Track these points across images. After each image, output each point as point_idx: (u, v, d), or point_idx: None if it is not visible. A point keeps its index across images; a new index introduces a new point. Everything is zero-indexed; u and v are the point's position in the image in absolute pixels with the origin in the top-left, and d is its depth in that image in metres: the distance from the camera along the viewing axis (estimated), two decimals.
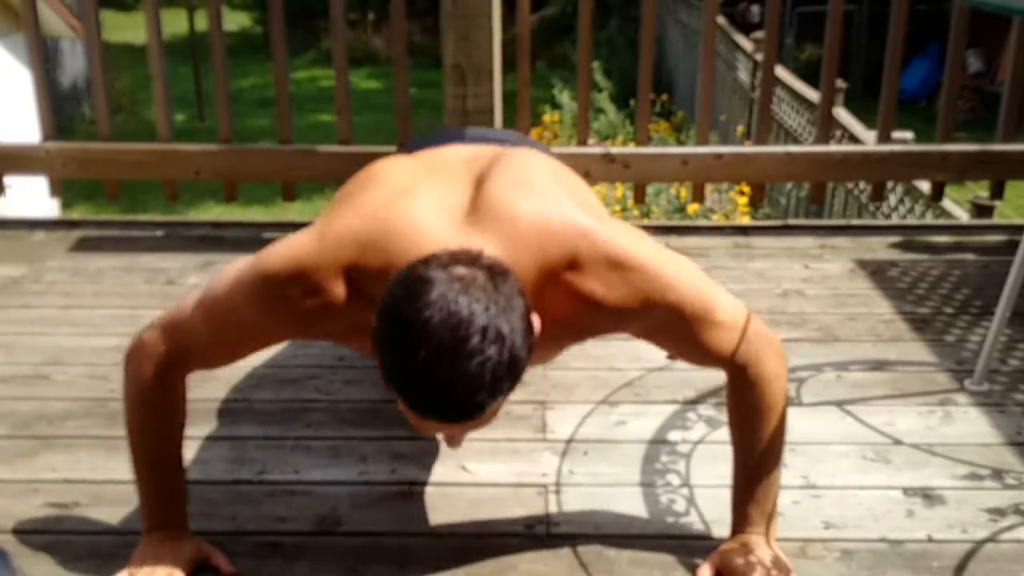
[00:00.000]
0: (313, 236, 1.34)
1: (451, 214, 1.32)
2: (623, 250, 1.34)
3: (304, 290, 1.31)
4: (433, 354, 1.13)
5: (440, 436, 1.27)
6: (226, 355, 1.47)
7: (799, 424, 1.90)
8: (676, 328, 1.40)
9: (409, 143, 1.77)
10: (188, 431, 1.51)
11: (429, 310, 1.13)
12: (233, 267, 1.41)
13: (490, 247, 1.26)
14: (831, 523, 1.61)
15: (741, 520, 1.49)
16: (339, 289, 1.31)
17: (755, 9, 11.71)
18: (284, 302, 1.33)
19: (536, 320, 1.24)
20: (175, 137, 2.99)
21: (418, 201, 1.33)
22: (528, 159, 1.52)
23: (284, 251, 1.34)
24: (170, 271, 2.64)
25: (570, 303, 1.34)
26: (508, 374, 1.17)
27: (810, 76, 6.07)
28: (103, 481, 1.73)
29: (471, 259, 1.19)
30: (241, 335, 1.41)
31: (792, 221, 3.45)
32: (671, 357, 2.05)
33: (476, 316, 1.14)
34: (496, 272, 1.19)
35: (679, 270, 1.39)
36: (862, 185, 5.40)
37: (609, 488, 1.70)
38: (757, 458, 1.46)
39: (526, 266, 1.28)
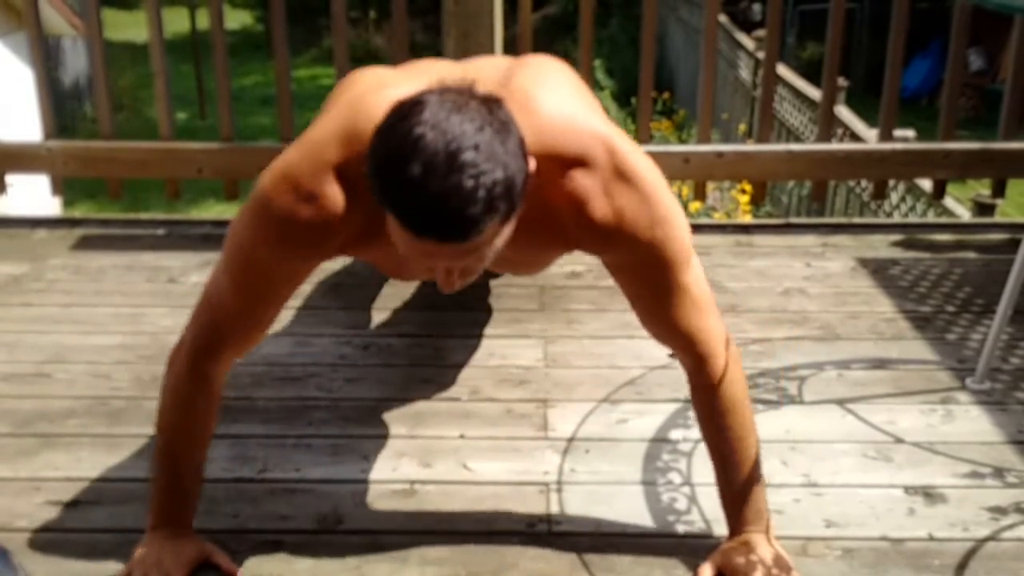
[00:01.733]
0: (296, 148, 1.36)
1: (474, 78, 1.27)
2: (634, 166, 1.34)
3: (301, 201, 1.31)
4: (427, 167, 1.12)
5: (437, 277, 1.25)
6: (255, 314, 1.45)
7: (800, 422, 1.90)
8: (647, 268, 1.39)
9: None
10: None
11: (422, 127, 1.13)
12: (239, 214, 1.42)
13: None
14: (832, 521, 1.61)
15: (737, 522, 1.49)
16: (334, 190, 1.30)
17: (757, 7, 11.70)
18: (289, 222, 1.32)
19: (532, 160, 1.23)
20: (177, 135, 2.99)
21: (398, 89, 1.26)
22: (557, 68, 1.52)
23: (273, 171, 1.36)
24: (172, 269, 2.64)
25: (567, 201, 1.33)
26: (503, 195, 1.15)
27: (812, 74, 6.06)
28: (104, 479, 1.73)
29: (465, 89, 1.18)
30: (262, 281, 1.41)
31: (794, 219, 3.45)
32: (673, 356, 2.05)
33: (469, 133, 1.13)
34: (491, 100, 1.18)
35: (675, 214, 1.40)
36: (864, 183, 5.39)
37: (611, 486, 1.70)
38: (737, 457, 1.47)
39: (538, 150, 1.27)
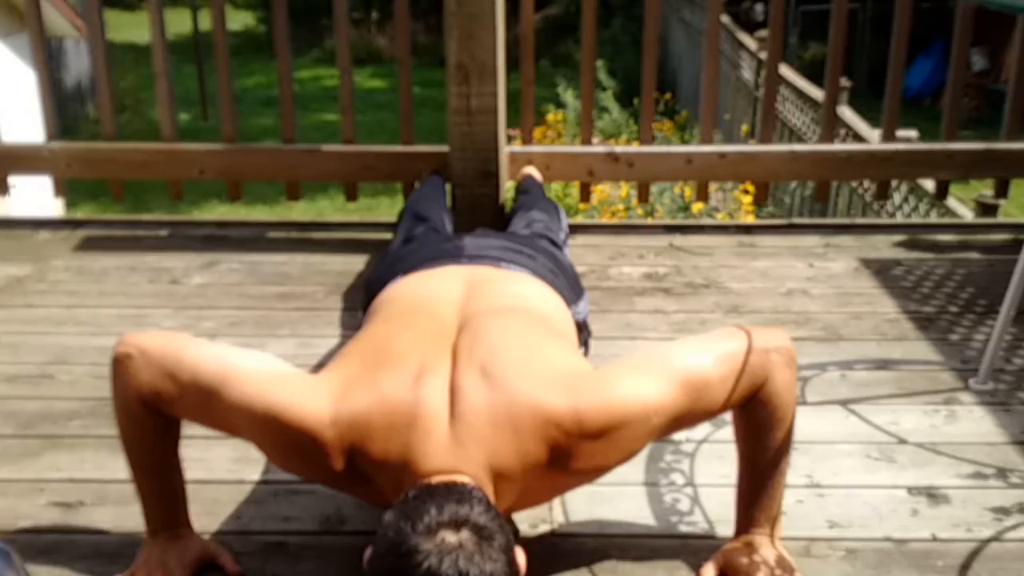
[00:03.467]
0: (329, 409, 1.35)
1: (446, 405, 1.35)
2: (595, 418, 1.34)
3: (308, 453, 1.36)
4: None
5: None
6: (201, 422, 1.46)
7: (803, 423, 1.90)
8: (684, 420, 1.42)
9: (417, 236, 1.82)
10: (191, 431, 1.50)
11: None
12: (244, 377, 1.39)
13: (473, 457, 1.31)
14: (836, 522, 1.61)
15: (746, 522, 1.49)
16: (338, 464, 1.35)
17: (759, 8, 11.68)
18: (286, 450, 1.38)
19: (522, 558, 1.27)
20: (179, 136, 2.99)
21: (421, 390, 1.35)
22: (508, 321, 1.52)
23: (298, 412, 1.35)
24: (174, 270, 2.65)
25: (568, 477, 1.40)
26: None
27: (814, 75, 6.05)
28: (108, 480, 1.73)
29: (459, 522, 1.20)
30: (230, 431, 1.44)
31: (796, 220, 3.45)
32: None
33: None
34: (484, 534, 1.20)
35: (660, 382, 1.38)
36: (866, 184, 5.39)
37: (613, 487, 1.70)
38: (764, 468, 1.46)
39: (510, 468, 1.33)
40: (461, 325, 1.50)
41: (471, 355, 1.41)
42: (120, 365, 1.42)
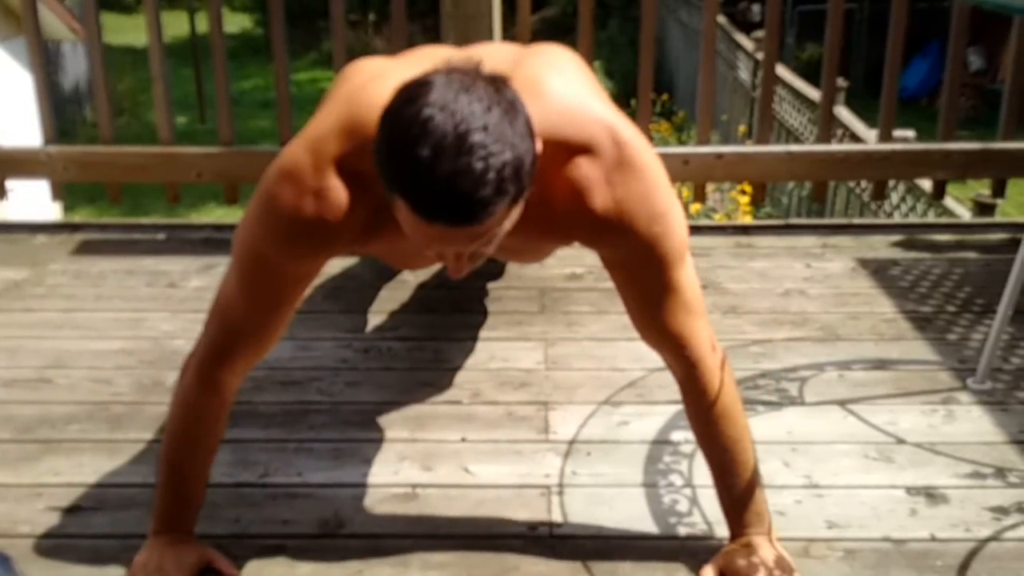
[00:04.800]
0: (297, 143, 1.35)
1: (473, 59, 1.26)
2: (638, 157, 1.34)
3: (305, 197, 1.30)
4: (436, 150, 1.11)
5: (446, 262, 1.26)
6: (266, 317, 1.43)
7: (802, 423, 1.90)
8: (643, 266, 1.39)
9: None
10: None
11: (429, 109, 1.12)
12: (244, 216, 1.41)
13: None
14: (834, 523, 1.61)
15: (738, 525, 1.49)
16: (337, 184, 1.30)
17: (756, 8, 11.70)
18: (294, 220, 1.32)
19: (539, 141, 1.21)
20: (177, 139, 2.99)
21: (396, 77, 1.23)
22: (566, 56, 1.52)
23: (276, 169, 1.35)
24: (172, 274, 2.64)
25: (568, 188, 1.33)
26: (513, 176, 1.14)
27: (811, 75, 6.07)
28: (106, 485, 1.73)
29: (471, 68, 1.17)
30: (272, 283, 1.40)
31: (794, 220, 3.45)
32: None
33: (478, 114, 1.12)
34: (497, 80, 1.17)
35: (674, 211, 1.40)
36: (864, 184, 5.39)
37: (612, 489, 1.70)
38: (733, 461, 1.47)
39: (543, 135, 1.25)
40: (503, 56, 1.47)
41: (536, 56, 1.41)
42: (187, 360, 1.49)
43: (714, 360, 1.45)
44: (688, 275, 1.43)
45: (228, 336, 1.44)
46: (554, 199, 1.33)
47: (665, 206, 1.37)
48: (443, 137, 1.11)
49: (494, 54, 1.46)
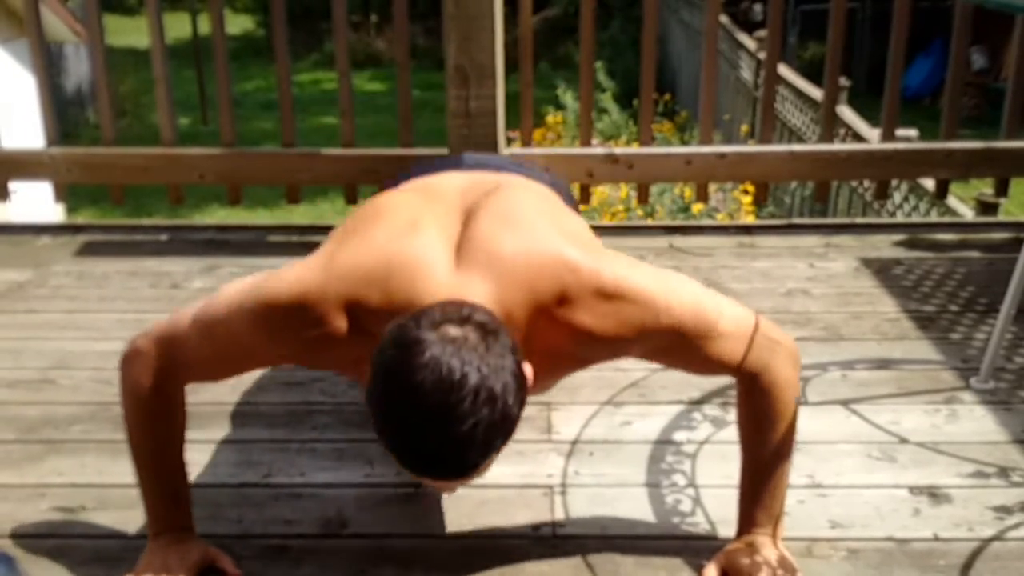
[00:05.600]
0: (318, 267, 1.34)
1: (448, 252, 1.33)
2: (612, 280, 1.34)
3: (307, 321, 1.32)
4: (425, 418, 1.15)
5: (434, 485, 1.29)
6: (225, 370, 1.47)
7: (804, 423, 1.89)
8: (678, 348, 1.40)
9: (411, 169, 1.79)
10: (194, 434, 1.51)
11: (421, 373, 1.14)
12: (234, 289, 1.40)
13: (481, 289, 1.28)
14: (837, 522, 1.61)
15: (747, 522, 1.49)
16: (340, 322, 1.32)
17: (758, 8, 11.69)
18: (286, 331, 1.34)
19: (528, 370, 1.25)
20: (179, 141, 2.99)
21: (419, 238, 1.33)
22: (518, 192, 1.52)
23: (289, 280, 1.34)
24: (175, 275, 2.65)
25: (564, 337, 1.34)
26: (500, 433, 1.18)
27: (813, 74, 6.05)
28: (109, 485, 1.73)
29: (463, 318, 1.20)
30: (241, 354, 1.42)
31: (796, 220, 3.45)
32: None
33: (468, 378, 1.14)
34: (488, 330, 1.19)
35: (673, 292, 1.38)
36: (866, 183, 5.38)
37: (615, 489, 1.70)
38: (766, 463, 1.46)
39: (517, 304, 1.29)
40: (468, 203, 1.46)
41: (487, 209, 1.39)
42: (128, 360, 1.44)
43: (775, 364, 1.42)
44: (724, 320, 1.40)
45: (183, 366, 1.43)
46: (556, 347, 1.35)
47: (664, 300, 1.36)
48: (432, 407, 1.14)
49: (455, 209, 1.44)
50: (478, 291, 1.28)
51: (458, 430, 1.14)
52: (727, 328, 1.40)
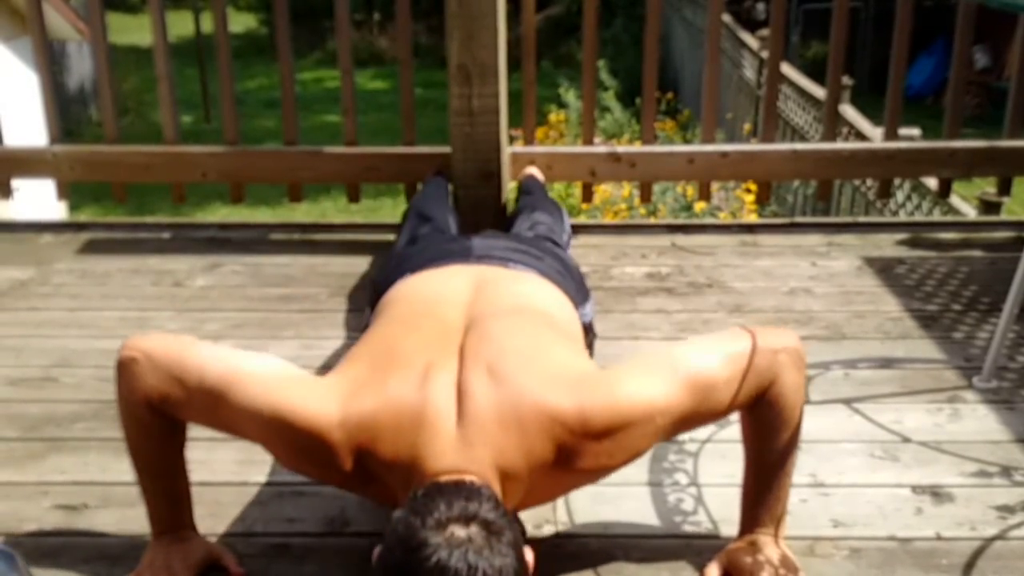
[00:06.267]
0: (337, 410, 1.35)
1: (452, 407, 1.35)
2: (600, 417, 1.34)
3: (316, 455, 1.35)
4: None
5: None
6: (208, 424, 1.46)
7: (807, 422, 1.88)
8: (688, 423, 1.42)
9: (422, 236, 1.84)
10: (195, 432, 1.51)
11: None
12: (253, 379, 1.39)
13: (482, 454, 1.31)
14: (840, 521, 1.61)
15: (750, 522, 1.49)
16: (347, 465, 1.35)
17: (760, 6, 11.68)
18: (291, 449, 1.38)
19: (530, 555, 1.28)
20: (181, 139, 2.99)
21: (429, 391, 1.35)
22: (511, 322, 1.52)
23: (306, 413, 1.35)
24: (177, 273, 2.65)
25: (576, 479, 1.41)
26: None
27: (816, 73, 6.05)
28: (112, 483, 1.73)
29: (468, 517, 1.20)
30: (239, 434, 1.44)
31: (799, 219, 3.45)
32: None
33: None
34: (493, 530, 1.20)
35: (665, 382, 1.38)
36: (869, 182, 5.39)
37: (617, 488, 1.70)
38: (770, 466, 1.46)
39: (517, 468, 1.33)
40: (468, 325, 1.51)
41: (478, 355, 1.41)
42: (125, 369, 1.42)
43: (779, 377, 1.42)
44: (720, 375, 1.40)
45: (176, 411, 1.42)
46: (571, 484, 1.44)
47: (660, 404, 1.36)
48: None
49: (455, 344, 1.46)
50: (479, 456, 1.31)
51: None
52: (725, 379, 1.40)
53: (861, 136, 5.57)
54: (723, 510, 1.61)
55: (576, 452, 1.35)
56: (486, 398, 1.35)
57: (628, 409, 1.36)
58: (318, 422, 1.34)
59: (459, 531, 1.19)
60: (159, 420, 1.44)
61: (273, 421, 1.36)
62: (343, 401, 1.36)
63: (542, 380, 1.38)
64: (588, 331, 1.85)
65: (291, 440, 1.36)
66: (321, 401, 1.36)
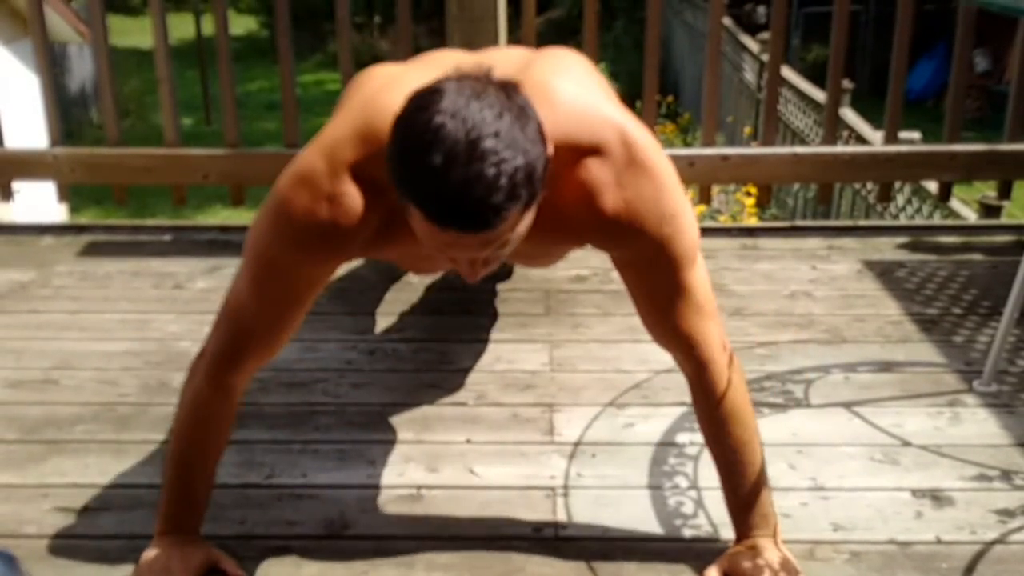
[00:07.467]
0: (312, 149, 1.35)
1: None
2: (648, 158, 1.34)
3: (320, 202, 1.31)
4: (448, 157, 1.11)
5: (460, 268, 1.27)
6: (277, 321, 1.44)
7: (807, 425, 1.90)
8: (655, 267, 1.40)
9: None
10: None
11: (441, 116, 1.12)
12: (257, 219, 1.40)
13: None
14: (840, 525, 1.61)
15: (744, 527, 1.49)
16: (352, 190, 1.30)
17: (761, 10, 11.69)
18: (308, 225, 1.32)
19: (550, 145, 1.22)
20: (182, 141, 2.99)
21: (408, 84, 1.24)
22: (574, 59, 1.52)
23: (291, 174, 1.35)
24: (178, 275, 2.65)
25: (579, 190, 1.33)
26: (525, 181, 1.15)
27: (816, 77, 6.05)
28: (112, 485, 1.73)
29: (481, 74, 1.18)
30: (284, 287, 1.40)
31: (799, 222, 3.45)
32: None
33: (489, 120, 1.12)
34: (508, 86, 1.18)
35: (685, 211, 1.39)
36: (869, 186, 5.39)
37: (617, 491, 1.70)
38: (741, 463, 1.47)
39: (554, 138, 1.25)
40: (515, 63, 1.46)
41: (543, 59, 1.42)
42: (192, 367, 1.49)
43: (724, 361, 1.45)
44: (699, 276, 1.44)
45: (238, 338, 1.44)
46: (565, 202, 1.34)
47: (676, 207, 1.37)
48: (455, 144, 1.11)
49: (504, 59, 1.47)
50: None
51: (482, 168, 1.11)
52: (700, 288, 1.42)
53: (861, 139, 5.57)
54: (723, 514, 1.61)
55: (608, 157, 1.32)
56: (554, 79, 1.35)
57: (665, 176, 1.36)
58: (301, 169, 1.33)
59: (474, 84, 1.15)
60: (217, 406, 1.47)
61: (278, 210, 1.34)
62: (315, 142, 1.35)
63: (612, 101, 1.41)
64: None
65: (302, 210, 1.31)
66: (298, 159, 1.35)
